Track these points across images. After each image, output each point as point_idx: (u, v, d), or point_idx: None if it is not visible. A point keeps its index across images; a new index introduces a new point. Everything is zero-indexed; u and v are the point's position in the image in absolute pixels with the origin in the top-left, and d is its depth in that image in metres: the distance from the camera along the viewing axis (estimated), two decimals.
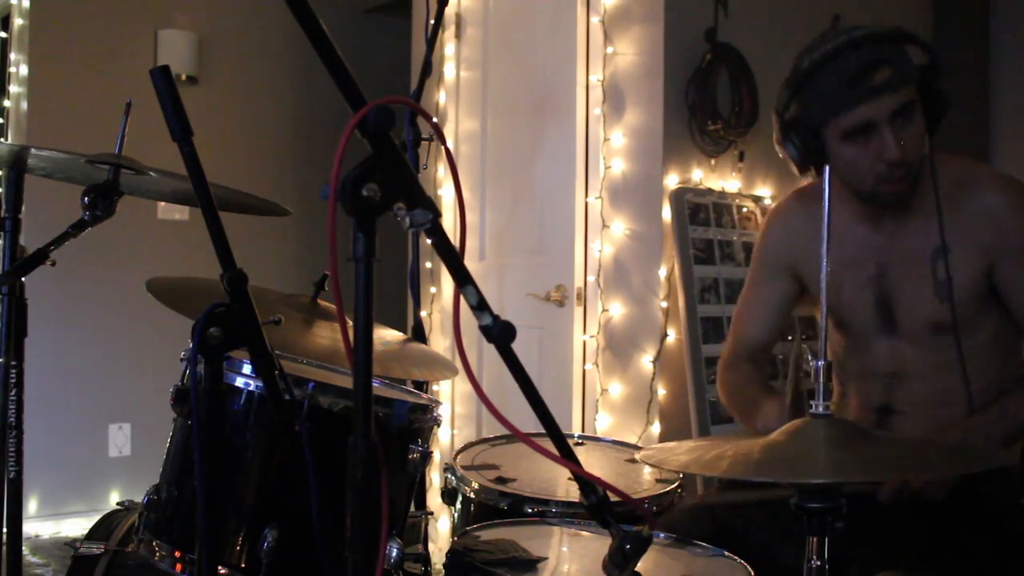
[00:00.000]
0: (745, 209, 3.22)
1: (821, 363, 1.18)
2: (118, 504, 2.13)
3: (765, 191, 3.31)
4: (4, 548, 1.73)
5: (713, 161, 3.17)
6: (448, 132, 3.84)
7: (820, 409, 1.18)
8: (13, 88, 4.38)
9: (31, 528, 4.10)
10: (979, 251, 1.71)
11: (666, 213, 3.04)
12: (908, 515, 1.57)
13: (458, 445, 2.54)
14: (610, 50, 3.18)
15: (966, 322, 1.72)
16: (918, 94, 1.68)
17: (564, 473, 1.85)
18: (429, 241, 1.06)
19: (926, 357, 1.75)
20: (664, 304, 3.02)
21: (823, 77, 1.66)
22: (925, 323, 1.74)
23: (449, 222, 3.54)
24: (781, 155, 1.80)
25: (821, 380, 1.18)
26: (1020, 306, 1.74)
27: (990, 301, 1.75)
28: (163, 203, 4.36)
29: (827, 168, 1.24)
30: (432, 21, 2.44)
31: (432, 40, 2.44)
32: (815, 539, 1.13)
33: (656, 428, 2.99)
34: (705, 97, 3.08)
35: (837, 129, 1.67)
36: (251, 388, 1.50)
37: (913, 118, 1.67)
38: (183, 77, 4.46)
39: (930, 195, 1.72)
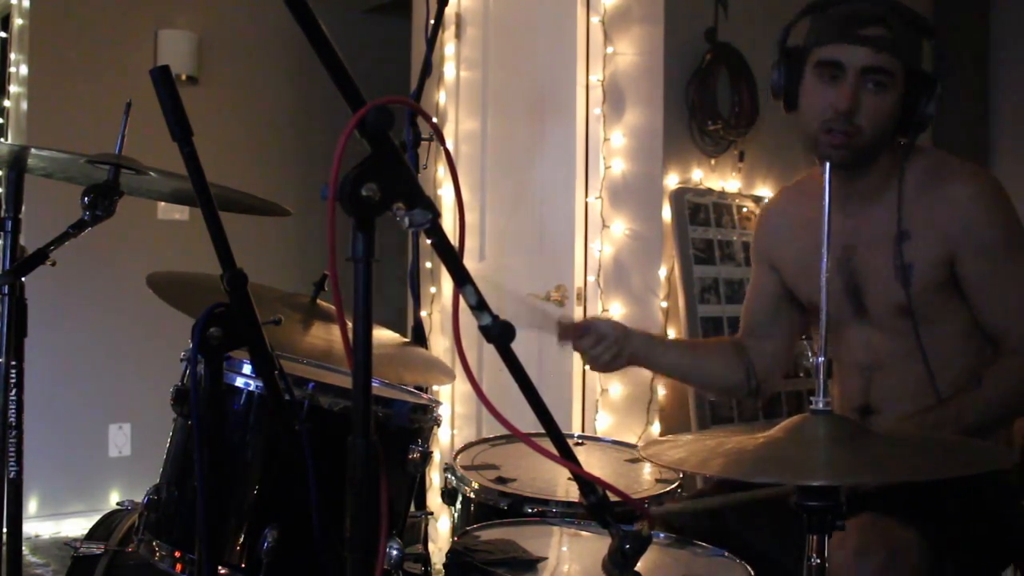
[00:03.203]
0: (745, 209, 3.22)
1: (821, 359, 1.18)
2: (118, 504, 2.13)
3: (765, 191, 3.31)
4: (4, 548, 1.73)
5: (713, 161, 3.17)
6: (448, 132, 3.84)
7: (820, 405, 1.17)
8: (13, 88, 4.38)
9: (31, 528, 4.10)
10: (941, 240, 1.70)
11: (666, 213, 3.04)
12: (905, 517, 1.57)
13: (458, 445, 2.54)
14: (610, 50, 3.18)
15: (928, 310, 1.72)
16: (904, 81, 1.68)
17: (564, 473, 1.85)
18: (429, 241, 1.06)
19: (896, 345, 1.76)
20: (664, 304, 3.02)
21: (832, 9, 1.72)
22: (890, 308, 1.74)
23: (449, 222, 3.54)
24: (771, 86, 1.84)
25: (821, 376, 1.18)
26: (977, 304, 1.73)
27: (954, 291, 1.74)
28: (163, 203, 4.36)
29: (827, 165, 1.24)
30: (432, 21, 2.44)
31: (432, 40, 2.44)
32: (815, 537, 1.13)
33: (656, 428, 2.99)
34: (705, 97, 3.08)
35: (815, 58, 1.72)
36: (251, 388, 1.50)
37: (886, 90, 1.68)
38: (183, 77, 4.46)
39: (896, 181, 1.73)
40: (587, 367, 2.09)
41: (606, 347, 1.88)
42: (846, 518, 1.43)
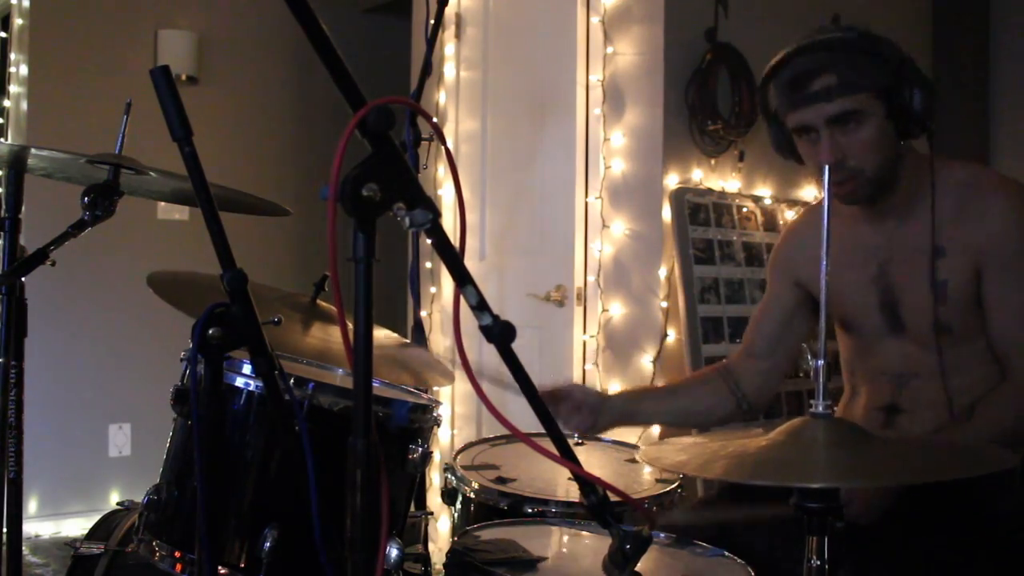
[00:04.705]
0: (745, 209, 3.22)
1: (820, 363, 1.18)
2: (118, 504, 2.13)
3: (765, 191, 3.31)
4: (4, 548, 1.73)
5: (713, 161, 3.17)
6: (448, 132, 3.84)
7: (820, 409, 1.18)
8: (13, 88, 4.38)
9: (31, 528, 4.10)
10: (972, 255, 1.69)
11: (666, 213, 3.04)
12: (907, 518, 1.57)
13: (458, 445, 2.54)
14: (610, 50, 3.18)
15: (961, 327, 1.71)
16: (877, 100, 1.66)
17: (564, 473, 1.85)
18: (429, 241, 1.06)
19: (931, 359, 1.74)
20: (664, 304, 3.02)
21: (779, 78, 1.73)
22: (926, 323, 1.73)
23: (449, 222, 3.54)
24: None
25: (821, 380, 1.18)
26: (991, 322, 1.70)
27: None
28: (163, 203, 4.36)
29: (827, 168, 1.24)
30: (432, 21, 2.44)
31: (432, 40, 2.45)
32: (814, 539, 1.13)
33: (656, 428, 2.98)
34: (705, 97, 3.08)
35: (789, 126, 1.75)
36: (251, 388, 1.50)
37: (862, 124, 1.66)
38: (183, 77, 4.45)
39: (930, 196, 1.72)
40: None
41: (582, 418, 1.88)
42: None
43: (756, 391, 2.00)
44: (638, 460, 2.02)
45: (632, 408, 2.01)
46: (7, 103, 4.46)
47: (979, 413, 1.67)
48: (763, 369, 2.00)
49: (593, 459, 2.06)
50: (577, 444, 2.19)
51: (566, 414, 1.87)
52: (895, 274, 1.78)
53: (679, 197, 3.04)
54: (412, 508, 1.72)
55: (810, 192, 3.38)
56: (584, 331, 3.25)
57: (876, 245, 1.79)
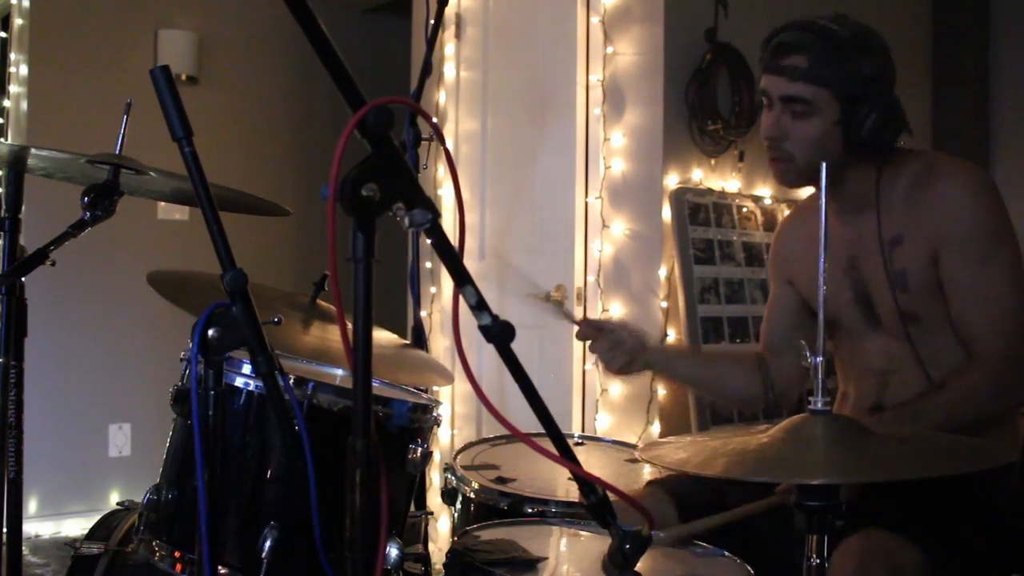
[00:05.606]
0: (745, 209, 3.22)
1: (819, 359, 1.18)
2: (118, 504, 2.13)
3: (765, 191, 3.31)
4: (4, 548, 1.73)
5: (713, 161, 3.17)
6: (448, 132, 3.84)
7: (819, 405, 1.18)
8: (13, 88, 4.38)
9: (31, 528, 4.10)
10: (928, 240, 1.69)
11: (666, 213, 3.04)
12: (909, 534, 1.56)
13: (458, 445, 2.54)
14: (610, 50, 3.18)
15: (929, 315, 1.71)
16: (835, 102, 1.67)
17: (564, 473, 1.85)
18: (429, 241, 1.06)
19: (909, 351, 1.75)
20: (664, 304, 3.02)
21: (770, 39, 1.76)
22: (895, 314, 1.74)
23: (449, 222, 3.54)
24: None
25: (820, 376, 1.18)
26: (952, 304, 1.69)
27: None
28: (163, 203, 4.36)
29: (824, 165, 1.24)
30: (432, 21, 2.44)
31: (432, 40, 2.45)
32: (814, 537, 1.13)
33: (656, 428, 2.99)
34: (705, 97, 3.09)
35: (759, 87, 1.80)
36: (251, 388, 1.50)
37: (810, 117, 1.69)
38: (183, 77, 4.45)
39: (886, 188, 1.73)
40: (598, 366, 2.10)
41: (619, 352, 1.89)
42: (848, 533, 1.43)
43: (784, 384, 2.01)
44: (638, 459, 2.03)
45: (668, 364, 2.06)
46: (7, 103, 4.46)
47: (949, 385, 1.67)
48: (786, 365, 2.00)
49: (593, 459, 2.06)
50: (577, 444, 2.19)
51: (605, 350, 1.90)
52: (863, 266, 1.78)
53: (679, 197, 3.04)
54: (412, 508, 1.72)
55: (810, 192, 3.38)
56: None
57: (846, 239, 1.79)
